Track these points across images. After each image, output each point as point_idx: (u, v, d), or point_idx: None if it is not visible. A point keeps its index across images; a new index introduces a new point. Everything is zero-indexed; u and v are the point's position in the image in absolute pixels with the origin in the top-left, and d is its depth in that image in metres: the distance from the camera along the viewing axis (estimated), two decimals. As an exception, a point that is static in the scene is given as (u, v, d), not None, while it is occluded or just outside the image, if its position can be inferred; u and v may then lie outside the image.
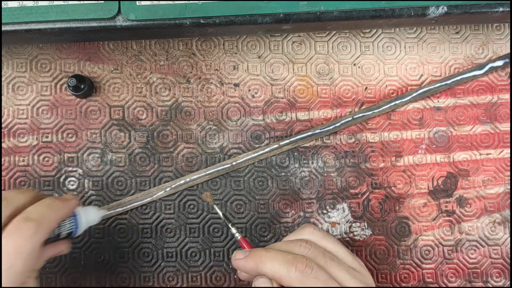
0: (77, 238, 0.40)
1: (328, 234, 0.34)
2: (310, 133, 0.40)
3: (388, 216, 0.41)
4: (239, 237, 0.35)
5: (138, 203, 0.40)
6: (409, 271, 0.41)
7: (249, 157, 0.40)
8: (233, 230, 0.36)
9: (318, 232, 0.34)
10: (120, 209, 0.39)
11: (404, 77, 0.42)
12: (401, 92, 0.41)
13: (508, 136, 0.41)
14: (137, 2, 0.34)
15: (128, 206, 0.40)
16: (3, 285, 0.27)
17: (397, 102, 0.41)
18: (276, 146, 0.40)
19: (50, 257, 0.32)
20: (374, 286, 0.32)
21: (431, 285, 0.41)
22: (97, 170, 0.40)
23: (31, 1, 0.34)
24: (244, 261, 0.32)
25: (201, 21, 0.35)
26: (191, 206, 0.40)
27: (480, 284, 0.41)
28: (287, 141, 0.40)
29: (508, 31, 0.42)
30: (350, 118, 0.41)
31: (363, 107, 0.41)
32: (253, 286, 0.32)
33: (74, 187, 0.40)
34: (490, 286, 0.41)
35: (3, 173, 0.40)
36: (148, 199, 0.40)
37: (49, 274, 0.39)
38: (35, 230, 0.28)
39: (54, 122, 0.40)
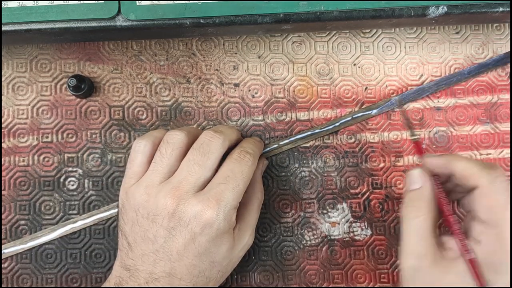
0: (77, 238, 0.40)
1: None
2: (309, 133, 0.40)
3: (388, 216, 0.41)
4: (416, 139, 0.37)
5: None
6: (409, 271, 0.41)
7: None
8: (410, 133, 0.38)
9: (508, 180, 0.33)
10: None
11: (404, 77, 0.42)
12: (401, 92, 0.41)
13: (508, 136, 0.41)
14: (137, 2, 0.34)
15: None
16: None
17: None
18: (275, 146, 0.40)
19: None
20: None
21: (431, 285, 0.40)
22: (97, 170, 0.40)
23: (31, 1, 0.34)
24: (438, 158, 0.33)
25: (201, 21, 0.35)
26: (191, 206, 0.40)
27: (480, 284, 0.41)
28: (287, 141, 0.40)
29: (508, 31, 0.42)
30: (350, 118, 0.41)
31: (363, 107, 0.41)
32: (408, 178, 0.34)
33: (74, 187, 0.40)
34: (490, 286, 0.41)
35: (3, 173, 0.40)
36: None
37: (49, 274, 0.39)
38: (252, 161, 0.35)
39: (54, 122, 0.40)
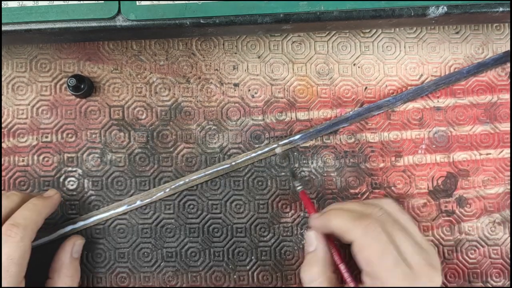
0: (77, 238, 0.40)
1: (404, 211, 0.34)
2: (300, 134, 0.40)
3: (388, 216, 0.41)
4: (300, 190, 0.37)
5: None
6: (409, 271, 0.41)
7: (248, 157, 0.40)
8: (296, 183, 0.37)
9: (395, 205, 0.34)
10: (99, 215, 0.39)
11: (404, 77, 0.42)
12: (401, 92, 0.41)
13: (508, 136, 0.42)
14: (137, 2, 0.34)
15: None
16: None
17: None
18: (275, 146, 0.40)
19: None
20: (439, 268, 0.31)
21: (431, 285, 0.41)
22: (97, 170, 0.40)
23: (31, 1, 0.34)
24: (317, 219, 0.34)
25: (201, 21, 0.35)
26: (191, 206, 0.40)
27: (480, 284, 0.41)
28: (285, 141, 0.40)
29: (508, 31, 0.42)
30: (349, 114, 0.41)
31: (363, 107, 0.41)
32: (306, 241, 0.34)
33: (74, 187, 0.40)
34: (490, 286, 0.41)
35: (3, 173, 0.40)
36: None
37: (49, 274, 0.39)
38: (22, 235, 0.31)
39: (54, 122, 0.40)
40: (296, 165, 0.41)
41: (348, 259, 0.33)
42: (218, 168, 0.40)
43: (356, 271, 0.33)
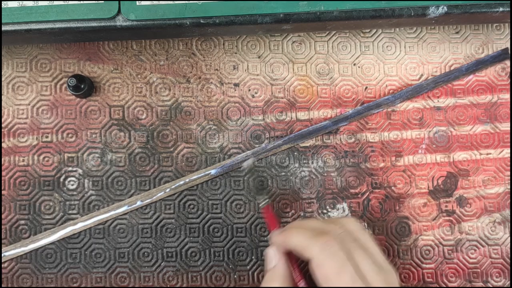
0: (77, 238, 0.40)
1: (366, 231, 0.34)
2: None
3: (388, 216, 0.41)
4: (264, 205, 0.37)
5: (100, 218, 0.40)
6: (409, 271, 0.41)
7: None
8: (261, 198, 0.37)
9: (357, 224, 0.34)
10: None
11: (404, 77, 0.42)
12: (400, 90, 0.41)
13: (508, 136, 0.42)
14: (137, 2, 0.34)
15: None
16: None
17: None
18: (272, 145, 0.40)
19: None
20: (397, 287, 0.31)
21: (431, 285, 0.41)
22: (97, 170, 0.40)
23: (31, 1, 0.34)
24: (278, 236, 0.34)
25: (201, 21, 0.35)
26: (191, 206, 0.40)
27: (480, 284, 0.41)
28: (281, 141, 0.40)
29: (508, 31, 0.42)
30: (348, 113, 0.41)
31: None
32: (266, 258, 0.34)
33: (74, 187, 0.40)
34: (490, 286, 0.41)
35: (3, 173, 0.40)
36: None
37: (49, 274, 0.39)
38: None
39: (54, 122, 0.40)
40: (296, 165, 0.41)
41: (309, 278, 0.33)
42: (218, 169, 0.40)
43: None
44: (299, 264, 0.34)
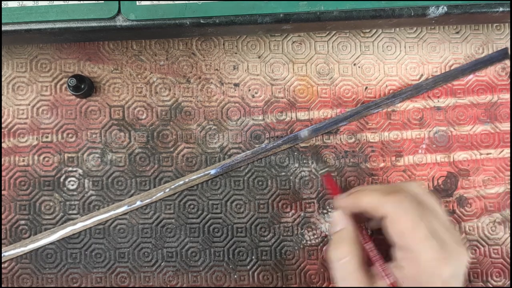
0: (77, 238, 0.40)
1: (431, 193, 0.34)
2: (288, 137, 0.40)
3: (388, 216, 0.41)
4: (324, 173, 0.37)
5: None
6: (409, 271, 0.41)
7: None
8: (321, 166, 0.38)
9: (422, 187, 0.33)
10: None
11: (404, 77, 0.42)
12: (399, 89, 0.41)
13: (508, 135, 0.42)
14: (137, 2, 0.34)
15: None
16: None
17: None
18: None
19: None
20: (465, 248, 0.31)
21: (431, 285, 0.40)
22: (97, 170, 0.40)
23: (31, 1, 0.34)
24: (346, 199, 0.34)
25: (201, 21, 0.35)
26: (191, 206, 0.40)
27: (480, 284, 0.41)
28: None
29: (508, 31, 0.42)
30: (347, 113, 0.41)
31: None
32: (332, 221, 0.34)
33: (74, 187, 0.40)
34: (490, 286, 0.41)
35: (3, 173, 0.40)
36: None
37: (49, 274, 0.39)
38: None
39: (54, 122, 0.40)
40: (296, 165, 0.41)
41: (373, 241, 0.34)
42: (217, 169, 0.40)
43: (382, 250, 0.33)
44: (365, 227, 0.34)
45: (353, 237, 0.33)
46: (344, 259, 0.32)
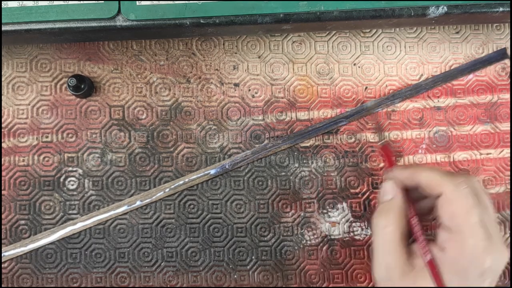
0: (77, 238, 0.40)
1: (486, 191, 0.34)
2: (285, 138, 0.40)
3: (388, 216, 0.41)
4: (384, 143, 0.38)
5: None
6: (409, 271, 0.41)
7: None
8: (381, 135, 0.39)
9: (479, 183, 0.34)
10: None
11: (404, 77, 0.42)
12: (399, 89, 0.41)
13: (508, 136, 0.42)
14: (137, 2, 0.34)
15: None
16: None
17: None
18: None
19: None
20: (507, 252, 0.31)
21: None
22: (97, 170, 0.40)
23: (31, 1, 0.34)
24: (403, 170, 0.34)
25: (201, 21, 0.35)
26: (191, 206, 0.40)
27: (480, 284, 0.41)
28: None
29: (508, 31, 0.42)
30: (347, 113, 0.41)
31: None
32: (382, 190, 0.35)
33: (74, 187, 0.40)
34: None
35: (3, 173, 0.40)
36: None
37: (49, 274, 0.39)
38: None
39: (54, 122, 0.40)
40: (296, 165, 0.41)
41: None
42: (217, 169, 0.40)
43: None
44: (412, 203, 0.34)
45: (401, 209, 0.33)
46: (388, 228, 0.32)
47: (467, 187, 0.31)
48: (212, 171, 0.40)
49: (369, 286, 0.40)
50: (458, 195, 0.31)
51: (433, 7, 0.35)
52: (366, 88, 0.42)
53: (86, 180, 0.40)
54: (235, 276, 0.40)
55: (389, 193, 0.34)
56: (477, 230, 0.30)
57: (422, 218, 0.34)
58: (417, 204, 0.35)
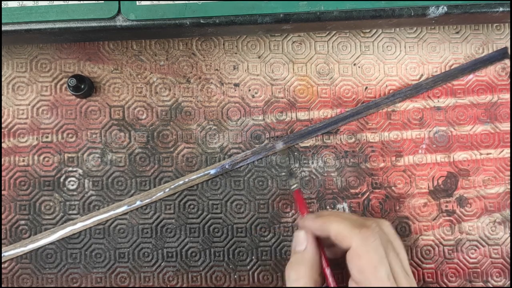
0: (77, 238, 0.40)
1: (398, 237, 0.34)
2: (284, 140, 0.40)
3: (389, 216, 0.41)
4: (295, 189, 0.37)
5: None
6: (409, 271, 0.41)
7: (247, 158, 0.40)
8: (292, 181, 0.37)
9: (391, 228, 0.34)
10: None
11: (404, 77, 0.42)
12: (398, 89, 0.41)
13: (508, 135, 0.42)
14: (137, 2, 0.34)
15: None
16: None
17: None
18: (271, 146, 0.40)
19: None
20: None
21: (431, 285, 0.41)
22: (97, 170, 0.40)
23: (31, 1, 0.34)
24: (314, 220, 0.33)
25: (201, 21, 0.35)
26: (191, 206, 0.40)
27: (480, 284, 0.41)
28: (284, 139, 0.40)
29: (508, 31, 0.42)
30: (347, 113, 0.41)
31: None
32: (294, 241, 0.34)
33: (74, 187, 0.40)
34: (490, 286, 0.41)
35: (3, 173, 0.40)
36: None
37: (49, 274, 0.39)
38: None
39: (54, 122, 0.40)
40: (297, 165, 0.41)
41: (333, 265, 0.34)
42: (217, 169, 0.40)
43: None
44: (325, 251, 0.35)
45: (313, 261, 0.33)
46: (300, 281, 0.33)
47: (375, 240, 0.31)
48: (212, 171, 0.40)
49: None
50: (366, 250, 0.31)
51: (433, 7, 0.35)
52: (366, 88, 0.42)
53: (86, 180, 0.40)
54: (235, 276, 0.40)
55: (302, 243, 0.34)
56: (385, 283, 0.30)
57: (339, 261, 0.34)
58: (332, 248, 0.35)
